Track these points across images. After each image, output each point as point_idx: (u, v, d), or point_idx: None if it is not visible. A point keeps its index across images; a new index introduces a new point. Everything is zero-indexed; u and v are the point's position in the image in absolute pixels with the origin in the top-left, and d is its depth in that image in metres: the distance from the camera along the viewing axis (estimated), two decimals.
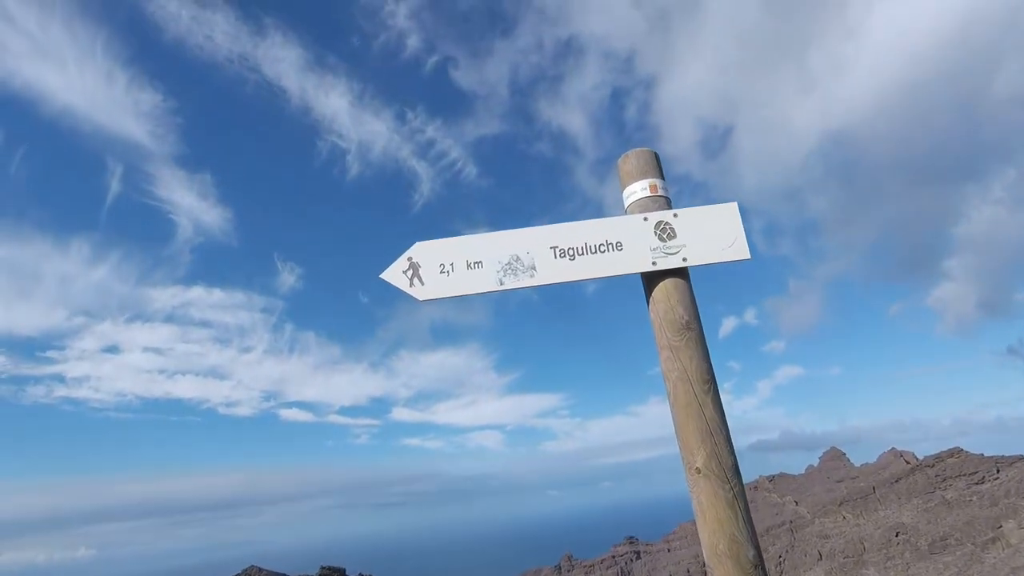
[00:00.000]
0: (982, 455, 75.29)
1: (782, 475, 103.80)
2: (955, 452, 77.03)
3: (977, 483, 71.46)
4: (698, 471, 3.87)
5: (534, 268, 4.27)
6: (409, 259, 4.57)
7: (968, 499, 69.64)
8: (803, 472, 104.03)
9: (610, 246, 4.14)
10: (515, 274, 4.31)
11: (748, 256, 4.10)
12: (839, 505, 79.77)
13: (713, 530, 3.83)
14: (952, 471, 74.53)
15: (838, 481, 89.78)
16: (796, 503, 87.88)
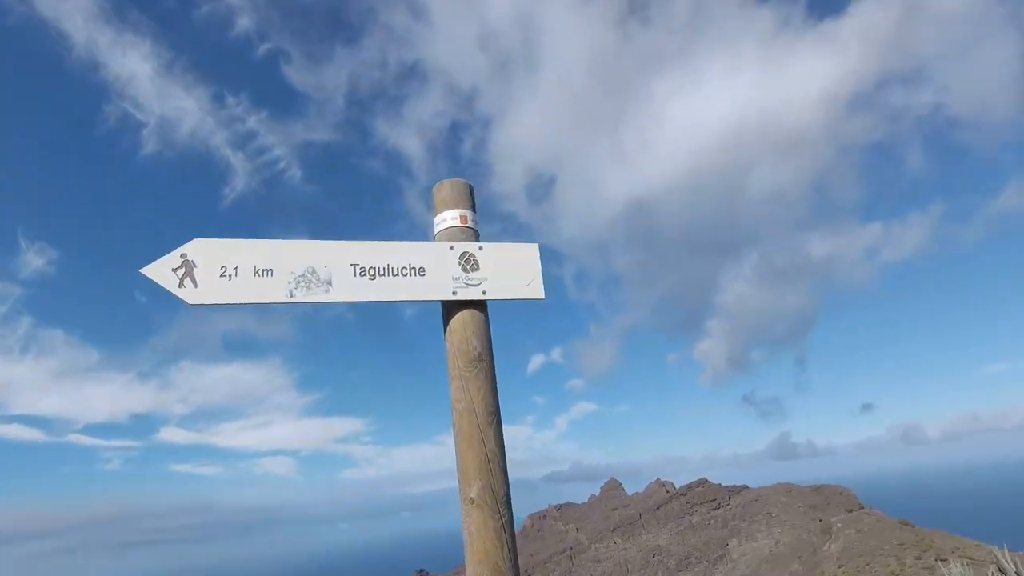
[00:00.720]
0: (720, 485, 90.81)
1: (568, 504, 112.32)
2: (702, 482, 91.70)
3: (715, 508, 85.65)
4: (472, 501, 3.90)
5: (330, 283, 3.99)
6: (183, 256, 3.96)
7: (708, 522, 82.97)
8: (586, 501, 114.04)
9: (413, 271, 4.03)
10: (308, 287, 3.99)
11: (543, 296, 4.13)
12: (612, 531, 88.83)
13: (479, 560, 3.88)
14: (698, 498, 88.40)
15: (613, 509, 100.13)
16: (577, 530, 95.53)
